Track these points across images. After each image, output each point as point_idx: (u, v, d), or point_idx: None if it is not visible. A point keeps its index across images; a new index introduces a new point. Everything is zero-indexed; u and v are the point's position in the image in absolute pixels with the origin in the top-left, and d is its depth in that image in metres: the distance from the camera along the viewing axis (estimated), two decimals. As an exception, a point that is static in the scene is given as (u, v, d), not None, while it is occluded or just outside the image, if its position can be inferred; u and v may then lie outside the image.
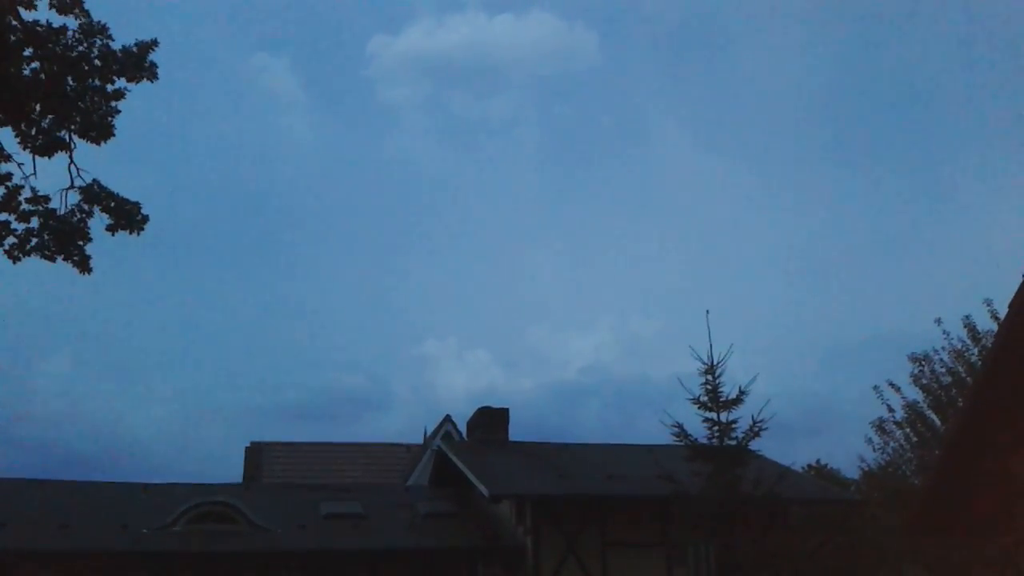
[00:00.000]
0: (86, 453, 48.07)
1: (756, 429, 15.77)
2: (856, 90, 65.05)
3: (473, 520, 20.52)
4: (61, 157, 10.04)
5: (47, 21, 9.64)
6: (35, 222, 10.06)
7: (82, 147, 10.08)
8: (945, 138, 64.57)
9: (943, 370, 22.06)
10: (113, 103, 10.05)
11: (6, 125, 9.70)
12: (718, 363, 16.08)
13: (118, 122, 10.10)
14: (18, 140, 9.83)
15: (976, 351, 21.13)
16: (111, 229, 10.23)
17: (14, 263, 9.97)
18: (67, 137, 10.02)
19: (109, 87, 10.00)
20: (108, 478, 21.69)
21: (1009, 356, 10.58)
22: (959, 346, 21.75)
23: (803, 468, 27.47)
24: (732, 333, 20.84)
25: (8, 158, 9.87)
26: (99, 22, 9.78)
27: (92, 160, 10.17)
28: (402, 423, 59.68)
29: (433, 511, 20.62)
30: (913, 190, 61.54)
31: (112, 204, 10.17)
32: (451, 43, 64.31)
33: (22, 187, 9.99)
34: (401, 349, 64.93)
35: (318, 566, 18.46)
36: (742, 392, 15.87)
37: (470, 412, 24.64)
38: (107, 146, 10.10)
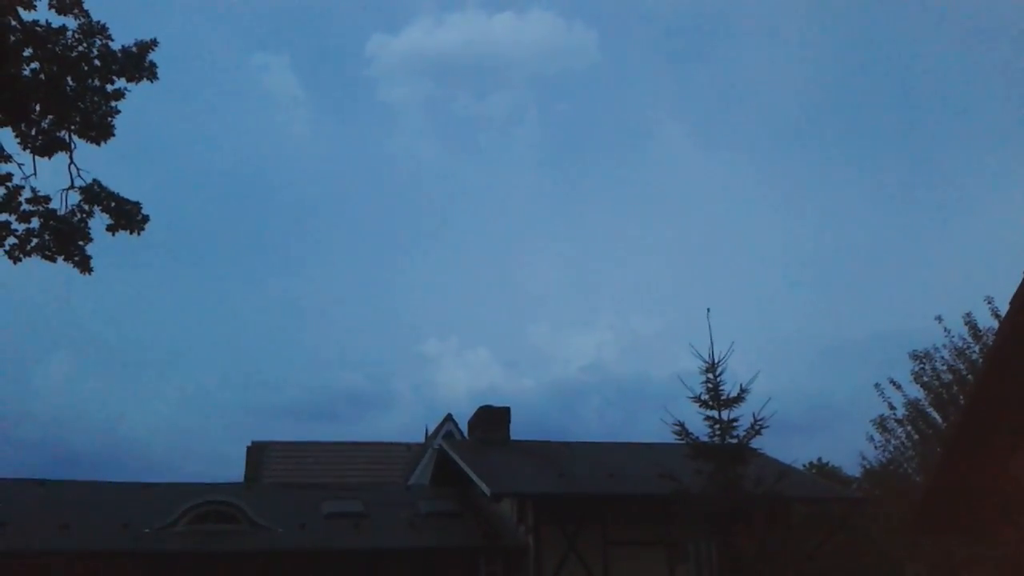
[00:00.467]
0: (87, 453, 48.22)
1: (757, 427, 15.75)
2: (857, 88, 65.05)
3: (474, 519, 20.53)
4: (61, 157, 10.04)
5: (47, 21, 9.62)
6: (35, 222, 10.03)
7: (82, 147, 10.08)
8: (946, 136, 64.56)
9: (944, 368, 22.03)
10: (113, 103, 10.03)
11: (6, 125, 9.68)
12: (719, 361, 16.09)
13: (118, 122, 10.09)
14: (18, 140, 9.81)
15: (977, 349, 21.11)
16: (111, 229, 10.21)
17: (15, 263, 9.95)
18: (67, 137, 10.00)
19: (109, 87, 9.97)
20: (109, 478, 21.78)
21: (1010, 354, 10.57)
22: (960, 344, 21.73)
23: (804, 466, 27.50)
24: (733, 331, 20.75)
25: (8, 158, 9.86)
26: (99, 22, 9.77)
27: (92, 160, 10.18)
28: (403, 422, 59.80)
29: (434, 510, 20.63)
30: (914, 188, 61.57)
31: (112, 204, 10.15)
32: (451, 42, 64.42)
33: (22, 187, 9.97)
34: (402, 348, 65.06)
35: (319, 565, 18.47)
36: (743, 390, 15.87)
37: (471, 411, 24.70)
38: (107, 146, 10.08)
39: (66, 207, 10.11)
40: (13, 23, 9.42)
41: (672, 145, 67.03)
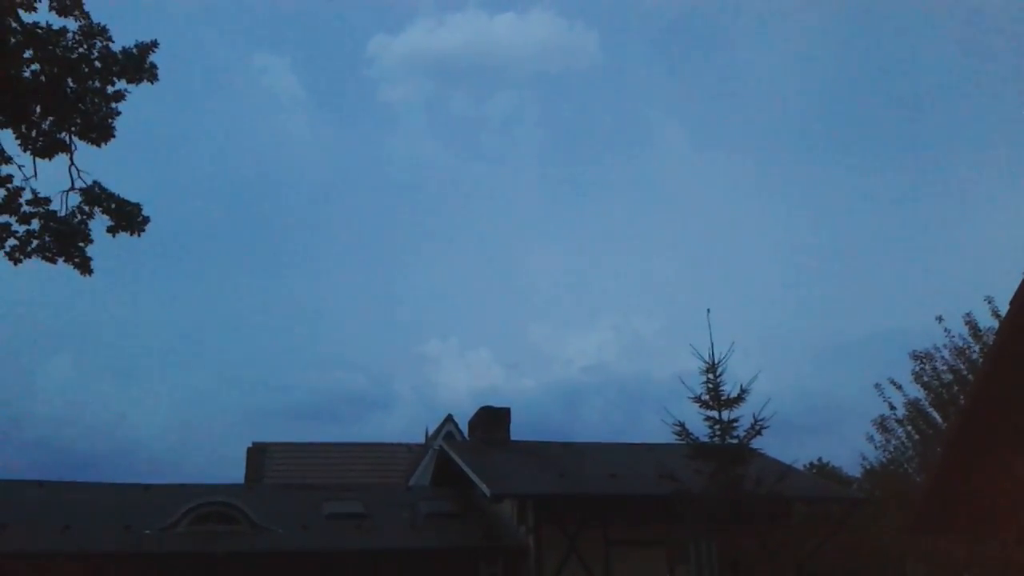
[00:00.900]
0: (88, 454, 48.21)
1: (757, 427, 15.75)
2: (857, 87, 65.08)
3: (475, 520, 20.52)
4: (61, 159, 10.02)
5: (47, 23, 9.61)
6: (36, 224, 10.02)
7: (83, 149, 10.07)
8: (946, 135, 64.58)
9: (944, 367, 22.06)
10: (113, 104, 10.01)
11: (6, 127, 9.68)
12: (719, 361, 16.09)
13: (118, 123, 10.07)
14: (18, 142, 9.80)
15: (977, 348, 21.13)
16: (112, 231, 10.19)
17: (15, 265, 9.95)
18: (67, 139, 9.99)
19: (109, 88, 9.96)
20: (110, 479, 21.78)
21: (1010, 354, 10.57)
22: (960, 343, 21.76)
23: (805, 466, 27.52)
24: (733, 331, 20.76)
25: (9, 160, 9.86)
26: (99, 23, 9.75)
27: (93, 162, 10.17)
28: (404, 423, 59.84)
29: (435, 511, 20.62)
30: (914, 187, 61.60)
31: (113, 205, 10.14)
32: (452, 42, 64.45)
33: (23, 189, 9.96)
34: (403, 349, 65.12)
35: (320, 566, 18.47)
36: (743, 390, 15.86)
37: (472, 411, 24.70)
38: (108, 148, 10.07)
39: (67, 209, 10.11)
40: (13, 25, 9.42)
41: (673, 145, 67.12)
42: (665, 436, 16.66)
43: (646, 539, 18.94)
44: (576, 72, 68.12)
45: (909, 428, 22.90)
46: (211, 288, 66.68)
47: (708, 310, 16.35)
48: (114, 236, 10.25)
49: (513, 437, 23.33)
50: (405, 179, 70.25)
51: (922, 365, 22.42)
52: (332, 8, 74.38)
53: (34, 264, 10.03)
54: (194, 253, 64.55)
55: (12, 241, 9.94)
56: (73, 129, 9.95)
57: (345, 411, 55.25)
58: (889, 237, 61.19)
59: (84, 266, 10.15)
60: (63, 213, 10.09)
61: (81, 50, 9.77)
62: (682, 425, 16.04)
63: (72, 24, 9.68)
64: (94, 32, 9.74)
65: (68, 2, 9.55)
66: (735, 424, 15.88)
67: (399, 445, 31.70)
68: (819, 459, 30.18)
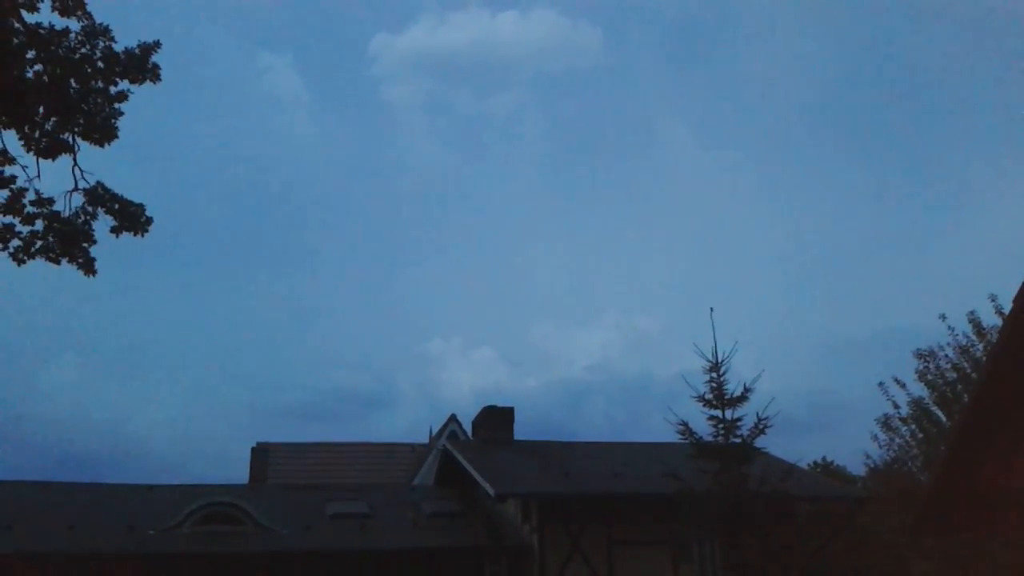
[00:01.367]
0: (92, 454, 48.28)
1: (761, 426, 15.71)
2: (861, 87, 64.99)
3: (478, 519, 20.53)
4: (65, 159, 10.02)
5: (50, 23, 9.62)
6: (39, 225, 10.03)
7: (86, 149, 10.07)
8: (949, 134, 64.46)
9: (948, 366, 22.02)
10: (116, 105, 10.01)
11: (10, 128, 9.68)
12: (723, 360, 16.05)
13: (121, 124, 10.07)
14: (22, 143, 9.81)
15: (981, 347, 21.08)
16: (116, 231, 10.20)
17: (19, 266, 9.96)
18: (71, 139, 9.99)
19: (112, 89, 9.96)
20: (114, 479, 21.84)
21: (1014, 352, 10.54)
22: (964, 342, 21.71)
23: (809, 465, 27.44)
24: (737, 330, 20.92)
25: (12, 161, 9.86)
26: (102, 24, 9.76)
27: (96, 162, 10.18)
28: (407, 423, 59.87)
29: (438, 511, 20.63)
30: (918, 186, 61.55)
31: (116, 206, 10.15)
32: (454, 41, 64.50)
33: (26, 190, 9.97)
34: (406, 348, 65.21)
35: (324, 566, 18.48)
36: (747, 389, 15.83)
37: (475, 411, 24.72)
38: (111, 148, 10.07)
39: (70, 209, 10.12)
40: (16, 25, 9.42)
41: (676, 144, 67.08)
42: (668, 435, 16.66)
43: (650, 539, 18.94)
44: (578, 71, 68.20)
45: (913, 427, 22.85)
46: (215, 288, 66.85)
47: (711, 309, 16.35)
48: (118, 237, 10.26)
49: (517, 436, 23.35)
50: (408, 178, 70.33)
51: (926, 363, 22.37)
52: (334, 7, 74.55)
53: (38, 265, 10.06)
54: (197, 253, 64.71)
55: (16, 242, 9.95)
56: (76, 130, 9.95)
57: (349, 411, 55.35)
58: (893, 235, 61.15)
59: (88, 267, 10.16)
60: (67, 214, 10.10)
61: (84, 50, 9.77)
62: (686, 424, 16.02)
63: (75, 24, 9.69)
64: (97, 32, 9.74)
65: (71, 2, 9.55)
66: (739, 423, 15.85)
67: (402, 445, 31.72)
68: (823, 458, 30.17)
